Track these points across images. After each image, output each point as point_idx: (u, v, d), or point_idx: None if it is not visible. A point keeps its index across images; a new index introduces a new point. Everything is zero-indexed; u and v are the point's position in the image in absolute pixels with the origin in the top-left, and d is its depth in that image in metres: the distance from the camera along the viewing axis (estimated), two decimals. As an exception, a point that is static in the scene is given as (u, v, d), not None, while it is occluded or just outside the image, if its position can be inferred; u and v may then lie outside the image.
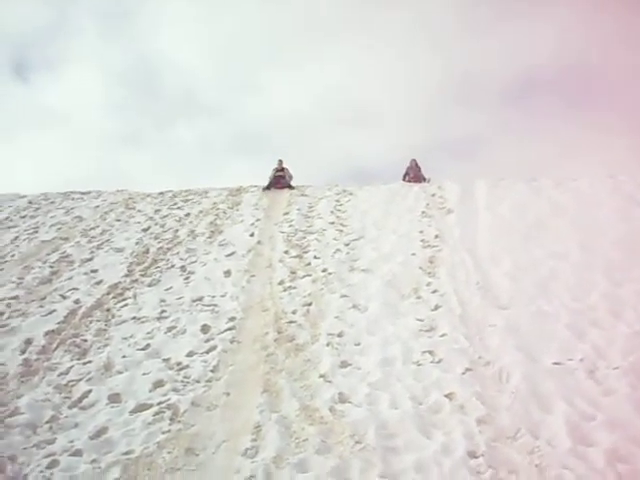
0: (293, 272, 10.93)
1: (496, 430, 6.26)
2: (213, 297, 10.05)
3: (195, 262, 11.74)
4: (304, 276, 10.74)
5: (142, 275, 11.20)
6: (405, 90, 50.25)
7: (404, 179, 17.44)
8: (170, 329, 8.98)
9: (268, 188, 16.86)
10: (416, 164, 17.72)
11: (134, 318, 9.41)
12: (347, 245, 12.14)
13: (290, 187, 16.85)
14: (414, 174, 17.47)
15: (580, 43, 44.65)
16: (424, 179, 17.26)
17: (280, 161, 17.64)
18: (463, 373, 7.33)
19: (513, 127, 45.84)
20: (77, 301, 10.00)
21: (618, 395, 6.72)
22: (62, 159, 48.92)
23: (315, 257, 11.61)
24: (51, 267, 11.62)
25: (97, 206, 15.98)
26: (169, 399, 7.05)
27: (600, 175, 15.45)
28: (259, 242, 12.61)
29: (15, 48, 57.20)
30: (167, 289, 10.51)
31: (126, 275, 11.22)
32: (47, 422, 6.74)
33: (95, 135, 50.33)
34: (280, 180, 17.07)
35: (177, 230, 13.72)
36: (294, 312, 9.31)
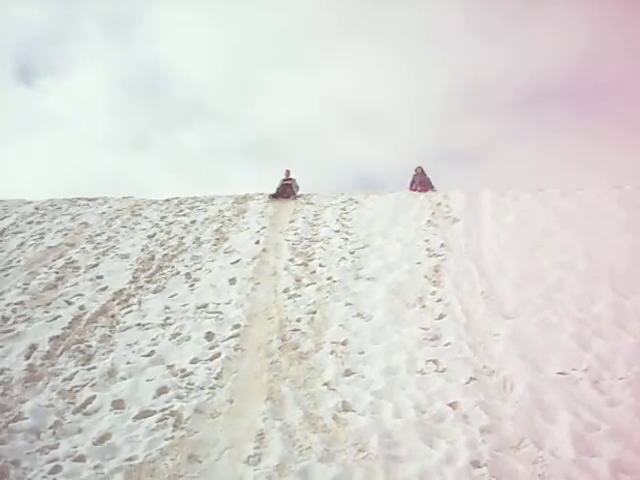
0: (298, 280, 10.93)
1: (500, 440, 6.22)
2: (218, 304, 10.05)
3: (200, 269, 11.75)
4: (309, 284, 10.74)
5: (147, 282, 11.22)
6: (414, 97, 50.41)
7: (410, 187, 17.44)
8: (174, 336, 8.97)
9: (275, 197, 16.89)
10: (422, 171, 17.68)
11: (139, 324, 9.41)
12: (352, 253, 12.14)
13: (296, 198, 16.89)
14: (420, 181, 17.44)
15: (588, 44, 44.62)
16: (431, 186, 17.21)
17: (287, 171, 17.71)
18: (467, 382, 7.29)
19: (521, 135, 45.88)
20: (82, 307, 10.02)
21: (622, 405, 6.69)
22: (66, 164, 49.11)
23: (320, 265, 11.61)
24: (57, 273, 11.65)
25: (103, 212, 16.05)
26: (172, 406, 7.03)
27: (606, 185, 15.45)
28: (264, 250, 12.61)
29: (19, 52, 57.58)
30: (172, 296, 10.51)
31: (131, 282, 11.23)
32: (51, 427, 6.72)
33: (100, 140, 50.59)
34: (286, 189, 17.12)
35: (182, 237, 13.75)
36: (298, 320, 9.30)
